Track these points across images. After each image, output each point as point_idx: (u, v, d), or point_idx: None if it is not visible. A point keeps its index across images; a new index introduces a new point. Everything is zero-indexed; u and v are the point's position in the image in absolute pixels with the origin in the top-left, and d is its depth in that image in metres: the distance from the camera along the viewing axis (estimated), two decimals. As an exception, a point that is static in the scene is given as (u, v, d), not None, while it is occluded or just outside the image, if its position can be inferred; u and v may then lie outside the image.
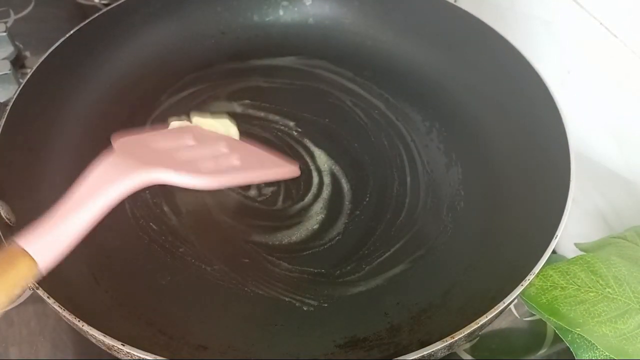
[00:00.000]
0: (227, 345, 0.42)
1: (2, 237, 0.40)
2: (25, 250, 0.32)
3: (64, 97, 0.54)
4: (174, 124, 0.52)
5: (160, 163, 0.42)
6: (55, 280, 0.41)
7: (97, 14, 0.58)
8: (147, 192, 0.51)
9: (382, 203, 0.51)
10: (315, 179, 0.53)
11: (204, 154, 0.48)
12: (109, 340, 0.35)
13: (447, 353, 0.38)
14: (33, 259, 0.32)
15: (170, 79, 0.60)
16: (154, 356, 0.35)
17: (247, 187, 0.52)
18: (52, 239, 0.33)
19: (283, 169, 0.52)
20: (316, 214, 0.50)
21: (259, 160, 0.52)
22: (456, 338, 0.36)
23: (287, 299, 0.45)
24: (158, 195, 0.51)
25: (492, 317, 0.37)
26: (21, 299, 0.49)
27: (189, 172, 0.42)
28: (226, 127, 0.53)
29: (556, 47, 0.54)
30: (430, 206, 0.51)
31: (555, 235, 0.41)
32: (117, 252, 0.47)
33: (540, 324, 0.49)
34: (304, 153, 0.55)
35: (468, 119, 0.57)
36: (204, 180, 0.43)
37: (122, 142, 0.44)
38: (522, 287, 0.39)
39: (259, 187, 0.51)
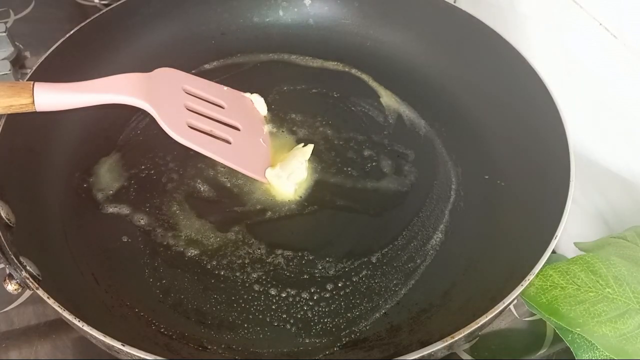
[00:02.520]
0: (227, 345, 0.42)
1: (1, 236, 0.40)
2: (32, 88, 0.44)
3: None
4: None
5: (159, 103, 0.50)
6: (55, 281, 0.41)
7: (97, 14, 0.58)
8: (149, 194, 0.51)
9: (383, 203, 0.51)
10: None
11: (211, 115, 0.53)
12: (109, 341, 0.35)
13: (447, 353, 0.38)
14: (33, 96, 0.44)
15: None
16: (153, 356, 0.35)
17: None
18: (53, 96, 0.46)
19: (257, 171, 0.52)
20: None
21: (252, 152, 0.53)
22: (456, 338, 0.36)
23: (289, 299, 0.45)
24: (160, 196, 0.51)
25: (492, 317, 0.37)
26: (21, 299, 0.49)
27: (170, 124, 0.49)
28: (257, 101, 0.58)
29: (556, 47, 0.54)
30: (431, 206, 0.51)
31: (555, 235, 0.41)
32: (117, 252, 0.47)
33: (540, 324, 0.49)
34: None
35: (468, 119, 0.57)
36: (177, 137, 0.50)
37: (162, 71, 0.53)
38: (522, 287, 0.39)
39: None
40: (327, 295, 0.45)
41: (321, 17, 0.67)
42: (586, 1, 0.49)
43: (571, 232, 0.50)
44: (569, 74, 0.53)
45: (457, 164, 0.54)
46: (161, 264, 0.47)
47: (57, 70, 0.52)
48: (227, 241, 0.48)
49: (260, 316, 0.44)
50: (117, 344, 0.35)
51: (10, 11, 0.76)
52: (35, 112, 0.45)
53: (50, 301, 0.37)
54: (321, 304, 0.45)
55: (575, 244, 0.47)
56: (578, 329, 0.39)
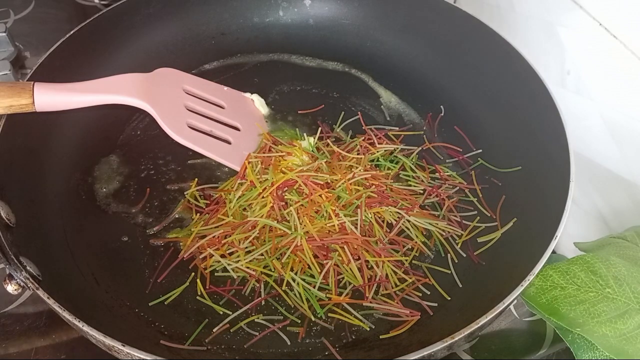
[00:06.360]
0: (227, 345, 0.42)
1: (1, 236, 0.40)
2: (31, 88, 0.45)
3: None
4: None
5: (159, 103, 0.50)
6: (55, 281, 0.41)
7: (97, 14, 0.58)
8: (149, 194, 0.51)
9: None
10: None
11: (211, 115, 0.54)
12: (109, 341, 0.35)
13: (447, 353, 0.38)
14: (33, 96, 0.45)
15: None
16: (153, 356, 0.35)
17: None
18: (53, 96, 0.46)
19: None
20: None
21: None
22: (456, 338, 0.36)
23: (289, 299, 0.45)
24: (160, 196, 0.51)
25: (492, 317, 0.37)
26: (21, 299, 0.49)
27: (170, 124, 0.50)
28: (257, 101, 0.59)
29: (556, 47, 0.54)
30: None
31: (555, 235, 0.41)
32: (117, 252, 0.47)
33: (540, 324, 0.49)
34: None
35: (468, 119, 0.57)
36: (176, 137, 0.51)
37: (162, 71, 0.53)
38: (522, 287, 0.39)
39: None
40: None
41: (321, 17, 0.67)
42: (586, 1, 0.49)
43: (571, 232, 0.50)
44: (568, 74, 0.53)
45: (457, 164, 0.54)
46: (161, 264, 0.47)
47: (57, 70, 0.52)
48: (227, 241, 0.48)
49: (260, 316, 0.44)
50: (117, 344, 0.35)
51: (10, 11, 0.76)
52: (35, 112, 0.46)
53: (50, 301, 0.37)
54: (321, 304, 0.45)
55: (575, 244, 0.47)
56: (578, 329, 0.39)
